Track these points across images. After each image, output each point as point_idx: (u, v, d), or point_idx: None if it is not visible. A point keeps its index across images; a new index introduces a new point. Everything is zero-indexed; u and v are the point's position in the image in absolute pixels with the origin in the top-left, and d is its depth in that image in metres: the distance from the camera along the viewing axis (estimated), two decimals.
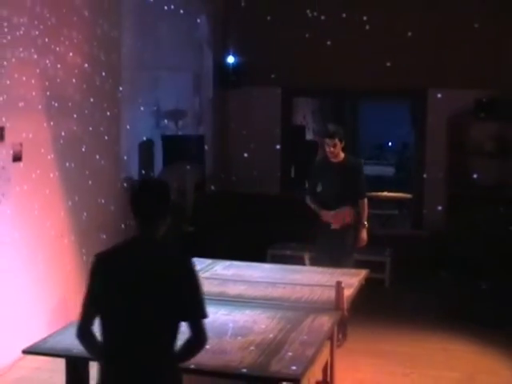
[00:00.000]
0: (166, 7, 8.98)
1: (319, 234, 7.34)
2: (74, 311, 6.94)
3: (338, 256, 7.01)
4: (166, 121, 9.27)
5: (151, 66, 8.79)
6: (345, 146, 7.33)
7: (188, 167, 8.91)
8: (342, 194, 7.20)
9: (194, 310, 3.41)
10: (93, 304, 3.51)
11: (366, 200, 7.38)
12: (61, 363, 4.59)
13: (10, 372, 6.07)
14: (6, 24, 6.01)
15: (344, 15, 10.37)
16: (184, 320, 3.37)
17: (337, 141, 7.21)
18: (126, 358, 3.37)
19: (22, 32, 6.21)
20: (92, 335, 3.53)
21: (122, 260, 3.45)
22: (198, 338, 3.38)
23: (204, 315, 3.41)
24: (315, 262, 7.29)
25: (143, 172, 8.57)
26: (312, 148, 14.12)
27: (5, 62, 6.02)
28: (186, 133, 9.62)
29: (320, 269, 6.59)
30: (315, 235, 7.39)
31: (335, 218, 7.17)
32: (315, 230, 7.38)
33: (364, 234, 7.30)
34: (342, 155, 7.31)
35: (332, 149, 7.22)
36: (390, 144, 18.12)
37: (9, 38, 6.05)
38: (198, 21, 10.07)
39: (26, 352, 4.51)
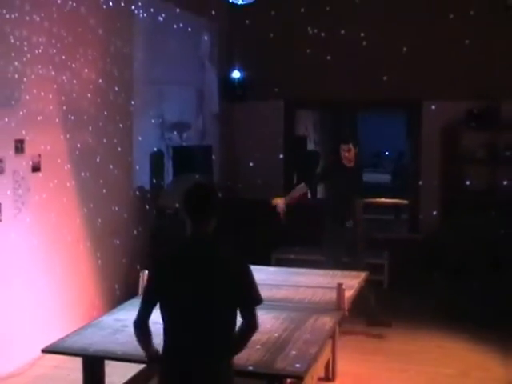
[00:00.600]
0: (174, 25, 9.00)
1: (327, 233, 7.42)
2: (90, 312, 7.00)
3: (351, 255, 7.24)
4: (175, 132, 9.26)
5: (160, 80, 8.80)
6: (357, 153, 7.40)
7: (197, 177, 8.89)
8: (350, 195, 7.36)
9: (249, 299, 3.56)
10: (152, 301, 3.56)
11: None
12: (78, 362, 4.61)
13: (31, 370, 6.08)
14: (25, 43, 6.04)
15: (343, 32, 10.37)
16: (241, 307, 3.52)
17: (351, 146, 7.27)
18: (189, 352, 3.44)
19: (40, 50, 6.25)
20: (148, 327, 3.58)
21: (183, 260, 3.52)
22: (249, 323, 3.54)
23: (258, 301, 3.61)
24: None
25: (154, 181, 8.56)
26: (313, 158, 14.15)
27: (24, 79, 6.06)
28: (190, 144, 9.59)
29: (322, 271, 6.58)
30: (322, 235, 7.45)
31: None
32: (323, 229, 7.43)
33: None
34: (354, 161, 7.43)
35: (347, 154, 7.27)
36: (387, 153, 18.13)
37: (28, 56, 6.08)
38: (205, 38, 10.09)
39: (45, 351, 4.53)
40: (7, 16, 5.81)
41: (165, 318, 3.53)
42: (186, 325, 3.48)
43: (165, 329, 3.54)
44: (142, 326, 3.57)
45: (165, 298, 3.52)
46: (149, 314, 3.56)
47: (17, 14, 5.92)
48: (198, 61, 9.92)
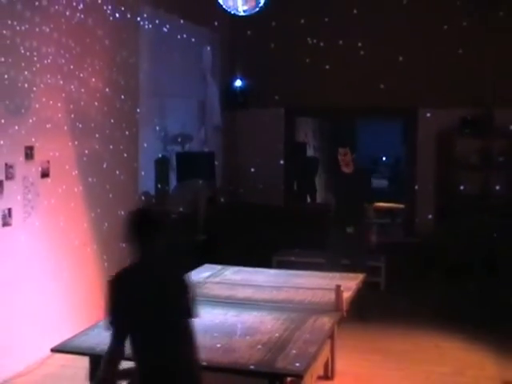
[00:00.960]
0: (178, 36, 9.03)
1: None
2: (97, 313, 6.97)
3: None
4: (179, 139, 9.28)
5: (164, 89, 8.82)
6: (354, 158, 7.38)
7: (200, 182, 8.91)
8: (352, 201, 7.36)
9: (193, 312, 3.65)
10: (121, 320, 3.65)
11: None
12: (85, 360, 4.61)
13: (39, 368, 6.09)
14: (35, 53, 6.05)
15: (341, 42, 10.42)
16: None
17: (347, 150, 7.25)
18: (163, 359, 3.52)
19: (49, 60, 6.26)
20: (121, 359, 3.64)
21: (136, 280, 3.63)
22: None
23: (197, 315, 3.68)
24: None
25: (159, 186, 8.58)
26: (313, 163, 14.16)
27: (34, 88, 6.07)
28: (194, 150, 9.58)
29: (321, 273, 6.58)
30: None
31: None
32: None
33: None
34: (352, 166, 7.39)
35: (343, 157, 7.25)
36: (384, 159, 18.12)
37: (38, 66, 6.09)
38: (208, 48, 10.11)
39: (54, 350, 4.54)
40: (18, 28, 5.82)
41: (137, 341, 3.60)
42: (153, 343, 3.56)
43: (136, 353, 3.60)
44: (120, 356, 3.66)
45: (134, 322, 3.61)
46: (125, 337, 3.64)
47: (27, 26, 5.94)
48: (200, 70, 9.93)
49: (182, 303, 3.63)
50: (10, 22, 5.73)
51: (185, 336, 3.63)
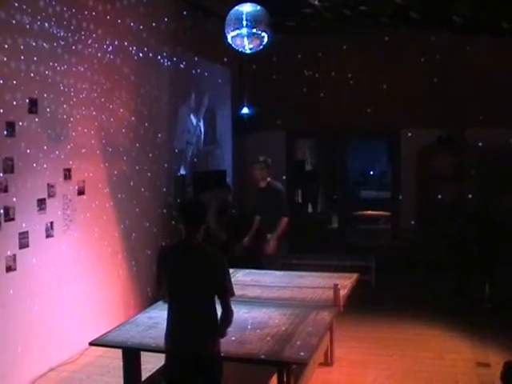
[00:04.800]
0: (193, 71, 9.07)
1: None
2: (128, 311, 7.02)
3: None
4: (195, 159, 9.28)
5: (182, 116, 8.85)
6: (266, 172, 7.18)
7: (213, 194, 8.84)
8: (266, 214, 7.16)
9: (224, 288, 3.72)
10: (160, 280, 3.87)
11: (285, 219, 7.20)
12: (118, 352, 4.63)
13: (80, 359, 6.10)
14: (72, 89, 6.09)
15: (333, 73, 10.49)
16: (219, 298, 3.73)
17: (263, 166, 7.12)
18: (187, 319, 3.69)
19: (84, 95, 6.30)
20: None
21: (178, 254, 3.77)
22: (226, 313, 3.74)
23: (232, 294, 3.78)
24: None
25: (178, 201, 8.57)
26: (311, 176, 14.16)
27: (71, 119, 6.10)
28: (208, 169, 9.56)
29: (320, 274, 6.53)
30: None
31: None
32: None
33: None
34: (267, 180, 7.18)
35: (257, 172, 7.13)
36: (371, 173, 18.13)
37: (74, 100, 6.13)
38: (220, 81, 10.14)
39: (92, 344, 4.54)
40: (58, 68, 5.86)
41: (168, 295, 3.80)
42: (180, 308, 3.72)
43: (168, 305, 3.81)
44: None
45: (169, 283, 3.79)
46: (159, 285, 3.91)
47: (65, 66, 5.98)
48: (214, 99, 9.97)
49: (215, 281, 3.69)
50: (51, 63, 5.78)
51: (206, 308, 3.71)
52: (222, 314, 3.74)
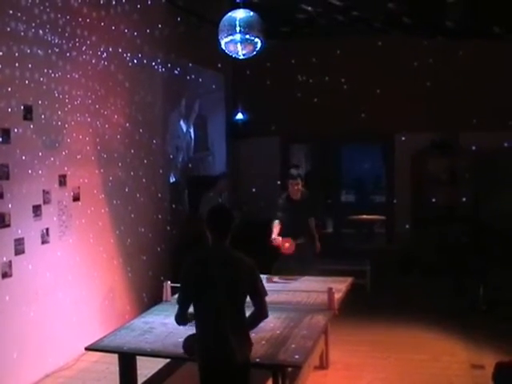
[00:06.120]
0: (187, 77, 9.11)
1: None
2: (123, 316, 7.03)
3: (302, 267, 6.89)
4: (190, 165, 9.30)
5: (175, 123, 8.87)
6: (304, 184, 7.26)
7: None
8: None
9: (259, 291, 3.79)
10: (188, 295, 3.79)
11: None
12: (114, 357, 4.64)
13: (76, 364, 6.12)
14: (67, 96, 6.12)
15: (327, 78, 10.53)
16: (252, 297, 3.78)
17: (299, 181, 7.15)
18: (217, 326, 3.66)
19: (78, 102, 6.33)
20: (187, 318, 3.87)
21: (209, 262, 3.75)
22: (260, 311, 3.81)
23: (265, 293, 3.85)
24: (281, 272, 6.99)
25: (173, 206, 8.59)
26: (305, 182, 14.12)
27: (66, 125, 6.13)
28: (202, 174, 9.55)
29: (314, 278, 6.57)
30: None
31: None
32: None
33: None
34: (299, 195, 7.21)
35: (296, 187, 7.14)
36: (366, 177, 18.10)
37: (69, 106, 6.16)
38: (213, 86, 10.18)
39: (88, 349, 4.55)
40: (52, 75, 5.89)
41: (198, 308, 3.74)
42: (213, 310, 3.67)
43: (197, 318, 3.75)
44: (183, 318, 3.86)
45: (197, 292, 3.71)
46: (187, 309, 3.82)
47: (60, 73, 6.00)
48: (208, 105, 9.99)
49: (245, 285, 3.72)
50: (46, 70, 5.81)
51: (239, 316, 3.73)
52: (255, 310, 3.83)
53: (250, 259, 3.81)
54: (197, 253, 3.83)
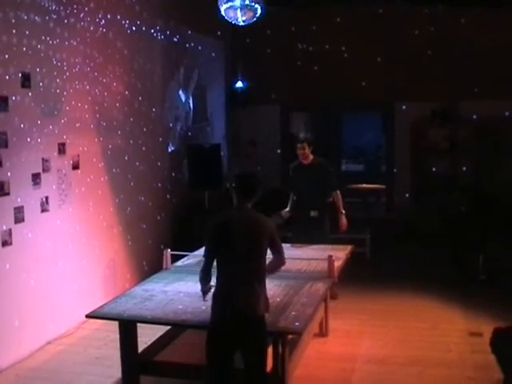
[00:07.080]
0: (187, 45, 9.02)
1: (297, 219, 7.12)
2: (124, 284, 7.05)
3: (315, 239, 6.70)
4: (189, 133, 9.24)
5: (175, 90, 8.80)
6: (313, 150, 7.08)
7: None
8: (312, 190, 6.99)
9: (277, 245, 4.10)
10: (212, 249, 3.96)
11: (338, 192, 7.08)
12: (115, 325, 4.63)
13: (77, 332, 6.15)
14: (65, 64, 6.06)
15: (327, 46, 10.44)
16: (273, 250, 4.09)
17: (305, 145, 7.09)
18: (240, 278, 3.83)
19: (77, 69, 6.26)
20: (210, 272, 4.03)
21: (235, 220, 3.92)
22: (279, 258, 4.17)
23: (282, 247, 4.17)
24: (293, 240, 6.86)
25: (173, 174, 8.56)
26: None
27: (65, 93, 6.07)
28: (202, 142, 9.45)
29: (315, 246, 6.54)
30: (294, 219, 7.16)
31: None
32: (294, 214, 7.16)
33: (343, 220, 7.06)
34: (310, 157, 7.06)
35: (302, 151, 7.04)
36: (366, 146, 18.06)
37: (67, 74, 6.10)
38: (213, 54, 10.08)
39: (89, 316, 4.54)
40: (50, 42, 5.81)
41: (220, 262, 3.91)
42: (236, 264, 3.83)
43: (219, 271, 3.91)
44: (207, 272, 4.01)
45: (222, 248, 3.89)
46: (212, 263, 3.98)
47: (58, 40, 5.93)
48: (207, 73, 9.90)
49: (265, 238, 3.91)
50: (43, 37, 5.73)
51: (258, 272, 3.88)
52: (274, 258, 4.14)
53: (268, 218, 4.05)
54: (221, 213, 4.04)
